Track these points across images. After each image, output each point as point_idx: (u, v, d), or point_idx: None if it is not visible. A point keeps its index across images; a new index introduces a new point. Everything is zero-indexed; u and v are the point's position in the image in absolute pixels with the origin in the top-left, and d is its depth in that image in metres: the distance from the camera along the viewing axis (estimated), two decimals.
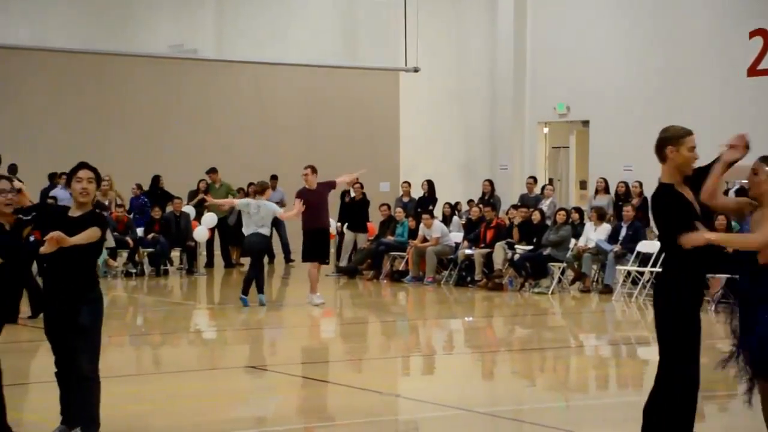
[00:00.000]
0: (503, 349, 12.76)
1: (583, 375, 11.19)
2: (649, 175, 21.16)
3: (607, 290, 17.27)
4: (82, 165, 6.95)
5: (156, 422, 7.06)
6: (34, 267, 14.03)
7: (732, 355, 6.48)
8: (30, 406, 8.02)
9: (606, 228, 17.97)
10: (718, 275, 15.12)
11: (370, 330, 14.66)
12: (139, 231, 20.75)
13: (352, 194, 21.21)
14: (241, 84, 26.14)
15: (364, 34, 28.38)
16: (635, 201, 19.01)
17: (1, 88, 23.41)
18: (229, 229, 22.11)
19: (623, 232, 17.58)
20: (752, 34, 21.88)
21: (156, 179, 22.64)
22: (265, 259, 18.19)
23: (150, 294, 18.45)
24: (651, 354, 12.59)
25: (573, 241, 17.96)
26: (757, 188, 6.36)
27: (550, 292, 17.46)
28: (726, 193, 19.74)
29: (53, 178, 21.77)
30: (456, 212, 21.93)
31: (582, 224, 18.74)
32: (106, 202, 20.27)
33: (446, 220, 21.01)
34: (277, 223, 22.20)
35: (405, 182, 23.21)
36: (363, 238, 20.86)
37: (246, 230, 15.55)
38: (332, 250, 20.53)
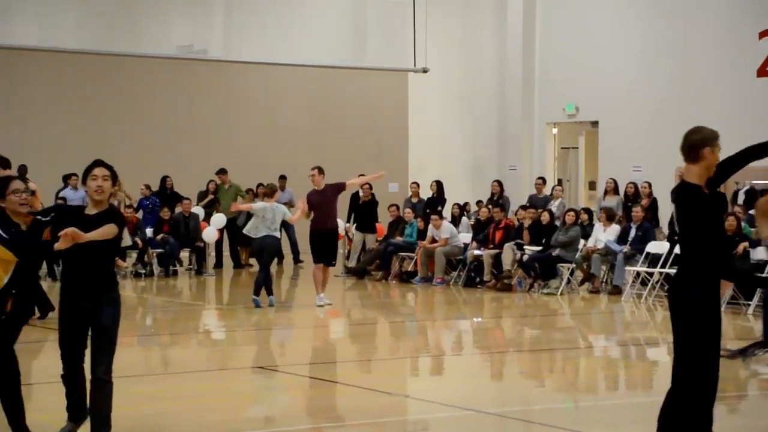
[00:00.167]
0: (512, 350, 12.75)
1: (592, 376, 11.18)
2: (658, 175, 21.28)
3: (617, 291, 17.24)
4: (97, 163, 6.91)
5: (165, 422, 7.08)
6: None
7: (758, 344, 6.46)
8: (36, 405, 8.03)
9: (615, 229, 17.95)
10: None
11: (378, 331, 14.65)
12: (149, 232, 20.78)
13: (361, 195, 21.22)
14: (250, 85, 26.17)
15: (373, 34, 28.39)
16: (644, 201, 18.98)
17: (11, 89, 23.48)
18: (238, 229, 22.12)
19: (632, 232, 17.55)
20: (762, 35, 21.85)
21: (163, 180, 22.67)
22: (274, 261, 18.22)
23: (159, 294, 18.48)
24: (660, 355, 12.59)
25: (582, 241, 17.94)
26: None
27: (559, 293, 17.44)
28: (736, 193, 19.72)
29: (67, 179, 21.85)
30: (465, 213, 21.92)
31: (591, 225, 18.71)
32: (115, 203, 20.29)
33: (455, 221, 21.00)
34: (285, 225, 22.24)
35: (414, 183, 23.21)
36: (372, 239, 20.86)
37: (256, 233, 15.52)
38: (340, 251, 20.56)
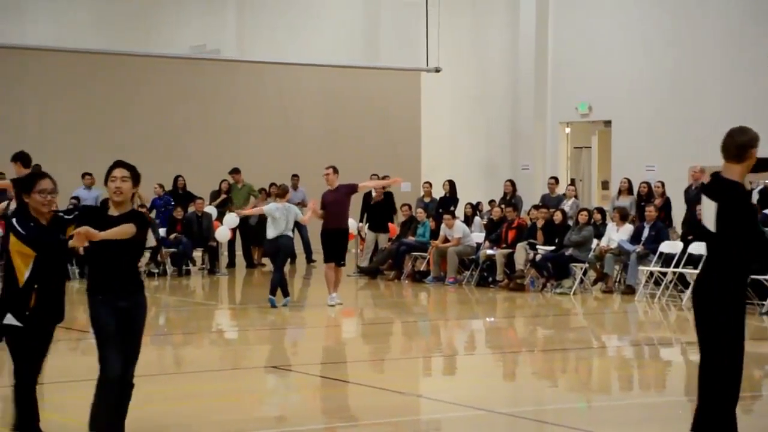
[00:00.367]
0: (525, 350, 12.73)
1: (605, 376, 11.15)
2: (671, 175, 21.23)
3: (630, 291, 17.20)
4: (117, 164, 6.84)
5: (177, 422, 7.09)
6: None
7: None
8: (51, 405, 8.06)
9: (628, 228, 17.91)
10: None
11: (391, 330, 14.65)
12: (162, 231, 20.83)
13: (374, 194, 21.22)
14: (263, 84, 26.20)
15: (385, 34, 28.40)
16: (657, 201, 18.93)
17: (25, 89, 23.56)
18: (250, 229, 22.17)
19: (646, 232, 17.51)
20: None
21: (175, 179, 22.69)
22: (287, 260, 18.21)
23: (172, 294, 18.52)
24: (673, 355, 12.56)
25: (595, 241, 17.90)
26: None
27: (572, 293, 17.41)
28: (749, 192, 19.65)
29: (83, 178, 21.94)
30: (477, 212, 21.90)
31: (604, 225, 18.68)
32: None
33: (468, 221, 20.99)
34: (298, 224, 22.25)
35: (426, 183, 23.20)
36: (384, 239, 20.87)
37: (270, 233, 15.53)
38: (353, 251, 20.57)
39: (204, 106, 25.32)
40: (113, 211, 6.77)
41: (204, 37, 27.70)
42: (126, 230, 6.61)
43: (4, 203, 12.88)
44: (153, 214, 21.35)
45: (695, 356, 12.40)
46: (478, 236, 19.81)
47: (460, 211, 21.66)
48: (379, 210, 21.17)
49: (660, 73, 23.78)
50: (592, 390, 10.26)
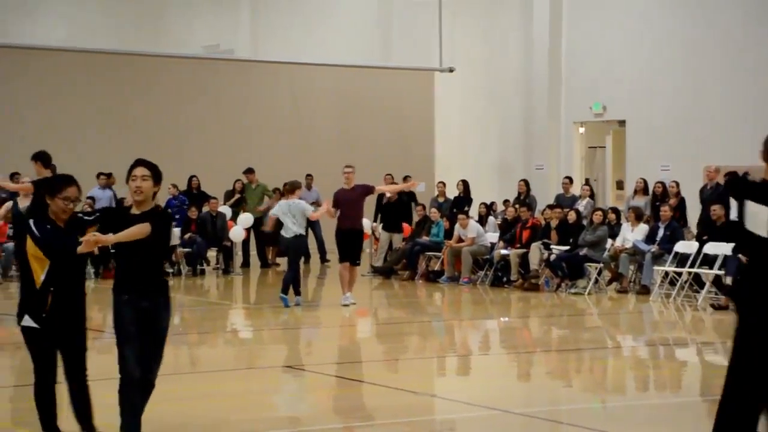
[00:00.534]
0: (539, 350, 12.70)
1: (619, 376, 11.12)
2: (686, 175, 21.16)
3: (645, 291, 17.15)
4: (138, 162, 6.82)
5: (192, 422, 7.10)
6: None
7: None
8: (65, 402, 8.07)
9: (643, 228, 17.85)
10: None
11: (405, 330, 14.63)
12: (176, 231, 20.85)
13: (388, 195, 21.22)
14: (276, 84, 26.22)
15: (399, 34, 28.39)
16: (672, 201, 18.87)
17: (38, 89, 23.63)
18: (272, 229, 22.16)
19: (661, 232, 17.45)
20: None
21: (190, 179, 22.73)
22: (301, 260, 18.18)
23: (187, 294, 18.54)
24: (689, 355, 12.51)
25: (610, 241, 17.86)
26: None
27: (586, 293, 17.37)
28: None
29: (107, 178, 22.00)
30: (492, 212, 21.87)
31: (619, 224, 18.63)
32: None
33: (482, 220, 20.96)
34: (312, 223, 22.25)
35: (440, 182, 23.18)
36: (398, 239, 20.86)
37: (285, 232, 15.54)
38: (367, 250, 20.57)
39: (217, 106, 25.35)
40: (135, 210, 6.76)
41: (218, 37, 27.78)
42: (138, 231, 6.57)
43: (9, 203, 12.89)
44: None
45: (710, 357, 12.41)
46: (492, 236, 19.78)
47: (474, 211, 21.64)
48: (393, 210, 21.16)
49: (675, 73, 23.71)
50: (606, 390, 10.23)
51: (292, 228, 15.41)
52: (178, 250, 20.57)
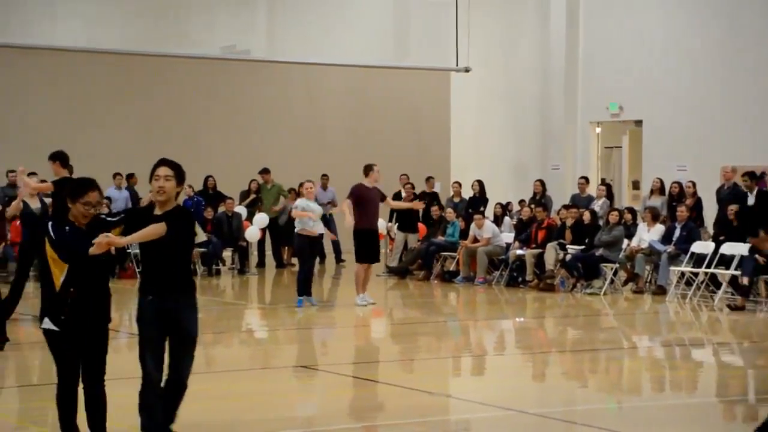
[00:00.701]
0: (555, 350, 12.68)
1: (635, 377, 11.09)
2: (702, 175, 21.08)
3: (661, 291, 17.10)
4: (162, 162, 6.80)
5: (206, 421, 7.11)
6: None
7: None
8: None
9: (659, 228, 17.80)
10: None
11: (420, 330, 14.63)
12: (199, 230, 20.90)
13: (403, 195, 21.22)
14: (292, 84, 26.26)
15: (415, 34, 28.39)
16: (689, 201, 18.80)
17: (55, 90, 23.74)
18: (280, 229, 22.21)
19: (677, 232, 17.40)
20: None
21: (205, 179, 22.76)
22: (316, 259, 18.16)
23: (202, 294, 18.56)
24: (705, 356, 12.47)
25: (626, 241, 17.81)
26: None
27: (602, 293, 17.33)
28: None
29: (130, 178, 22.05)
30: (507, 212, 21.84)
31: (635, 225, 18.58)
32: None
33: (497, 221, 20.94)
34: (327, 223, 22.26)
35: (456, 182, 23.16)
36: (414, 239, 20.85)
37: (302, 227, 15.53)
38: (381, 250, 20.55)
39: (233, 107, 25.40)
40: (157, 210, 6.74)
41: (234, 37, 27.83)
42: (152, 231, 6.53)
43: (19, 203, 12.90)
44: None
45: (727, 357, 12.36)
46: (507, 236, 19.75)
47: (489, 211, 21.61)
48: (408, 210, 21.15)
49: (691, 73, 23.63)
50: (622, 391, 10.21)
51: (300, 226, 15.40)
52: (193, 250, 20.61)
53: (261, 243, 22.20)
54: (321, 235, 15.99)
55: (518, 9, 27.50)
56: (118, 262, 19.46)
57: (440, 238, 20.31)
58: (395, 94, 27.01)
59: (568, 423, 8.57)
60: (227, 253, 21.59)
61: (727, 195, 18.46)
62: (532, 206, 20.11)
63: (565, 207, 19.44)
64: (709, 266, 16.35)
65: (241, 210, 22.03)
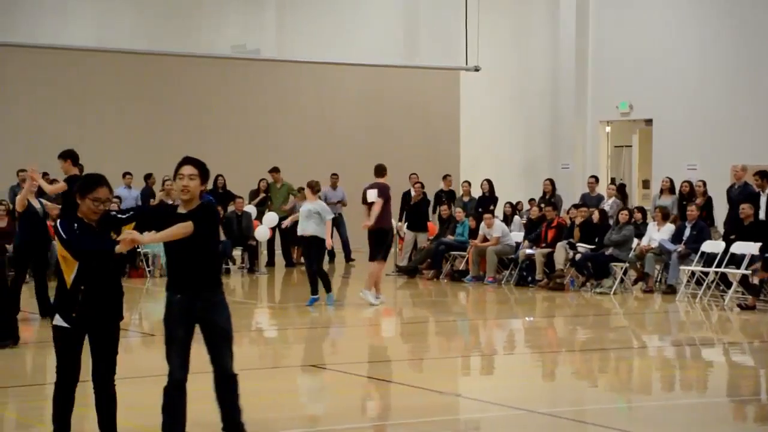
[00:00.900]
0: (564, 350, 12.67)
1: (645, 376, 11.07)
2: (713, 174, 21.03)
3: (671, 291, 17.07)
4: (186, 161, 6.80)
5: (216, 420, 7.11)
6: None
7: None
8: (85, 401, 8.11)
9: (669, 228, 17.77)
10: None
11: (430, 329, 14.63)
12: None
13: (413, 194, 21.21)
14: (302, 84, 26.27)
15: (424, 33, 28.37)
16: (699, 200, 18.76)
17: (65, 89, 23.79)
18: (290, 228, 22.21)
19: (687, 231, 17.36)
20: None
21: (215, 179, 22.79)
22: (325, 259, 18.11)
23: None
24: (715, 355, 12.44)
25: (636, 240, 17.78)
26: None
27: (612, 293, 17.31)
28: None
29: (148, 178, 22.08)
30: (517, 212, 21.82)
31: (645, 224, 18.55)
32: (170, 202, 20.48)
33: (507, 220, 20.92)
34: (337, 222, 22.28)
35: (465, 182, 23.15)
36: (423, 238, 20.85)
37: (303, 230, 15.45)
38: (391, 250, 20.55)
39: (244, 106, 25.43)
40: (181, 209, 6.75)
41: (244, 37, 27.83)
42: (179, 231, 6.54)
43: (24, 200, 12.91)
44: None
45: (737, 357, 12.33)
46: (517, 235, 19.74)
47: (499, 211, 21.60)
48: (418, 209, 21.15)
49: (702, 72, 23.58)
50: (632, 390, 10.19)
51: (302, 227, 15.38)
52: None
53: (271, 242, 22.21)
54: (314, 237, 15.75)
55: (528, 8, 27.46)
56: (129, 260, 19.49)
57: (450, 238, 20.30)
58: (405, 93, 27.00)
59: (578, 423, 8.56)
60: (237, 253, 21.60)
61: (738, 194, 18.41)
62: (542, 205, 20.08)
63: (575, 206, 19.41)
64: (719, 266, 16.31)
65: (251, 209, 22.04)
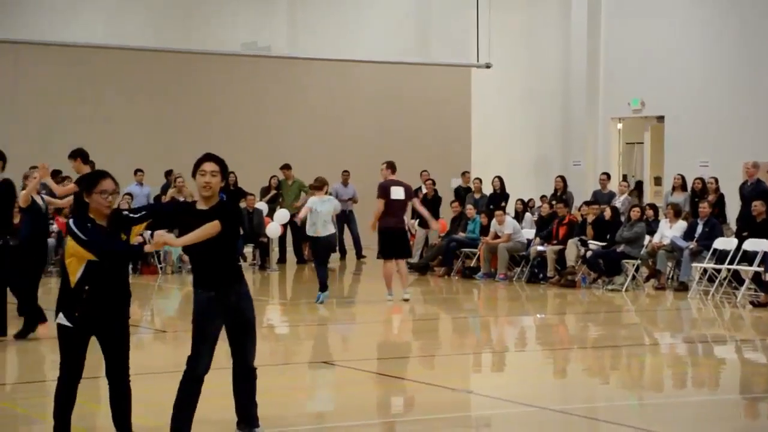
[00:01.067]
0: (576, 347, 12.65)
1: (657, 373, 11.04)
2: (725, 171, 20.97)
3: (683, 288, 17.02)
4: (207, 157, 6.80)
5: (228, 417, 7.12)
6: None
7: None
8: (93, 397, 8.12)
9: (681, 225, 17.72)
10: None
11: (441, 326, 14.63)
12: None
13: (424, 191, 21.21)
14: (313, 80, 26.28)
15: (436, 30, 28.34)
16: (711, 197, 18.71)
17: (77, 86, 23.84)
18: (301, 225, 22.20)
19: (699, 228, 17.31)
20: None
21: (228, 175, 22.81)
22: (335, 256, 18.15)
23: None
24: (727, 353, 12.40)
25: (647, 237, 17.74)
26: None
27: (623, 290, 17.27)
28: None
29: (168, 175, 22.07)
30: (528, 209, 21.79)
31: (656, 221, 18.50)
32: (181, 199, 20.51)
33: (518, 217, 20.89)
34: (348, 219, 22.30)
35: (476, 179, 23.13)
36: (434, 235, 20.83)
37: (313, 230, 15.41)
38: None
39: (254, 102, 25.45)
40: (201, 205, 6.75)
41: (255, 34, 27.83)
42: (208, 232, 6.56)
43: (28, 196, 12.89)
44: None
45: (749, 354, 12.30)
46: (528, 232, 19.71)
47: (510, 207, 21.58)
48: (430, 206, 21.13)
49: (713, 68, 23.50)
50: (644, 387, 10.16)
51: (319, 225, 15.35)
52: None
53: (282, 239, 22.22)
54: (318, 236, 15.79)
55: (539, 5, 27.41)
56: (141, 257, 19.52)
57: (461, 235, 20.29)
58: (416, 90, 26.99)
59: (590, 420, 8.54)
60: (248, 249, 21.62)
61: (751, 191, 18.35)
62: (553, 202, 20.04)
63: (587, 203, 19.38)
64: (731, 263, 16.26)
65: (262, 206, 22.06)
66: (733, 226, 18.46)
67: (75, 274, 6.53)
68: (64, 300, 6.63)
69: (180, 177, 20.74)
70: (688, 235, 17.41)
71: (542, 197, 22.17)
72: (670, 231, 17.65)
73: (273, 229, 21.18)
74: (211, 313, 6.76)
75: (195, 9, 26.85)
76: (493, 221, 19.50)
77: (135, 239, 6.75)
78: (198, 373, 6.78)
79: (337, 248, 21.40)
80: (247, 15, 28.41)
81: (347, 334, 13.87)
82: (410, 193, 15.92)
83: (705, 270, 16.79)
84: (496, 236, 19.32)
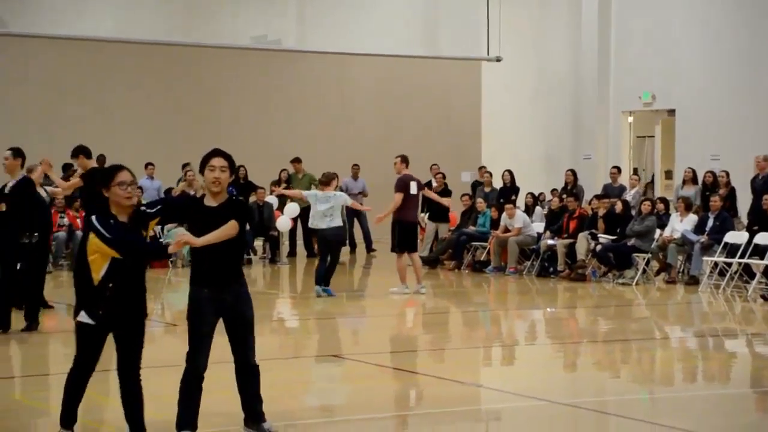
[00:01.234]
0: (586, 340, 12.62)
1: (667, 367, 11.01)
2: (736, 164, 20.90)
3: (693, 281, 16.98)
4: (215, 152, 6.77)
5: (235, 410, 7.12)
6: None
7: None
8: (104, 391, 8.13)
9: (692, 218, 17.68)
10: None
11: (451, 320, 14.62)
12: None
13: (434, 185, 21.18)
14: (323, 74, 26.27)
15: (445, 23, 28.31)
16: (722, 191, 18.65)
17: (84, 81, 23.87)
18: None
19: (710, 222, 17.27)
20: None
21: (237, 169, 22.80)
22: (346, 249, 18.11)
23: None
24: (738, 346, 12.36)
25: (658, 231, 17.70)
26: None
27: (634, 283, 17.24)
28: None
29: (185, 167, 22.09)
30: (539, 202, 21.76)
31: (667, 214, 18.46)
32: (192, 193, 20.51)
33: (528, 210, 20.86)
34: (358, 214, 22.28)
35: (487, 172, 23.10)
36: (444, 228, 20.82)
37: (318, 224, 15.37)
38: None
39: (264, 96, 25.45)
40: (210, 201, 6.72)
41: (265, 27, 27.83)
42: (227, 232, 6.56)
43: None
44: None
45: (760, 348, 12.26)
46: (538, 226, 19.69)
47: (521, 201, 21.55)
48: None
49: (725, 62, 23.42)
50: (654, 381, 10.14)
51: (325, 220, 15.31)
52: None
53: (292, 233, 22.24)
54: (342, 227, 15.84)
55: None
56: None
57: (471, 228, 20.27)
58: (426, 84, 26.96)
59: (600, 413, 8.53)
60: (258, 243, 21.64)
61: (762, 185, 18.29)
62: (564, 196, 20.02)
63: (597, 197, 19.34)
64: (742, 256, 16.21)
65: (272, 200, 22.06)
66: (744, 220, 18.40)
67: (99, 271, 6.47)
68: (87, 298, 6.55)
69: (191, 170, 20.73)
70: (698, 228, 17.36)
71: (553, 191, 22.13)
72: (680, 225, 17.61)
73: (283, 222, 21.18)
74: (204, 311, 6.73)
75: (204, 3, 26.87)
76: (504, 215, 19.47)
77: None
78: (198, 372, 6.77)
79: (347, 242, 21.40)
80: (257, 9, 28.42)
81: (357, 328, 13.87)
82: (421, 187, 16.17)
83: (716, 264, 16.74)
84: (507, 230, 19.29)
